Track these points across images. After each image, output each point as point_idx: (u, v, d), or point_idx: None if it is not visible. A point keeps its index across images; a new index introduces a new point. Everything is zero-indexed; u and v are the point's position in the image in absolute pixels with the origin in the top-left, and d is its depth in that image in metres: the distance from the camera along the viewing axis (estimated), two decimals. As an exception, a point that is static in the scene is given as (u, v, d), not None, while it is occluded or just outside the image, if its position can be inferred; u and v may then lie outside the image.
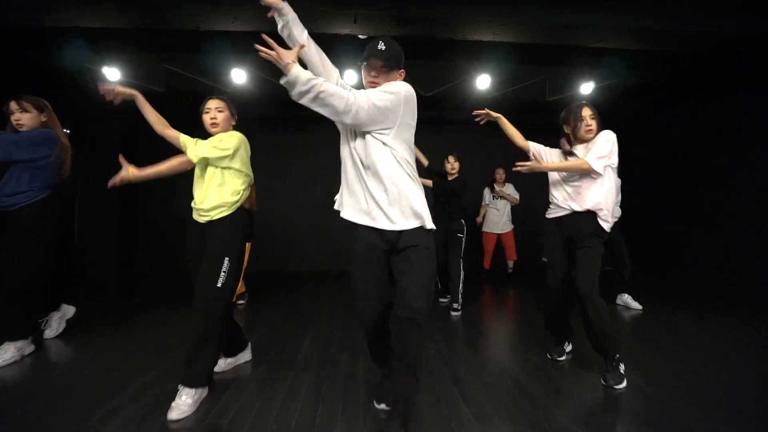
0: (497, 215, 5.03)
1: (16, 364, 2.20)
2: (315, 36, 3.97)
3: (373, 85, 1.55)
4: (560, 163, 2.22)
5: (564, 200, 2.21)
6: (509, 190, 5.08)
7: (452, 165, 3.64)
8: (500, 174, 5.05)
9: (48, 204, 2.38)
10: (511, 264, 5.20)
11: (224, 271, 1.83)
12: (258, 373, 2.13)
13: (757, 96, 4.25)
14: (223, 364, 2.14)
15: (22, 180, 2.30)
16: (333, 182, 1.87)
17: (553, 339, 2.42)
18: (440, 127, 6.45)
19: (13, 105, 2.35)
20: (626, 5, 3.40)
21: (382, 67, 1.54)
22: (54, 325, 2.69)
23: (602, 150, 2.07)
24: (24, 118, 2.35)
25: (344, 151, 1.62)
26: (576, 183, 2.17)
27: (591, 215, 2.10)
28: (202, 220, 1.92)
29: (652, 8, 3.41)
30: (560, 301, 2.27)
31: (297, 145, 6.19)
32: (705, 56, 4.25)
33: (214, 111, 2.01)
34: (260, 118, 5.59)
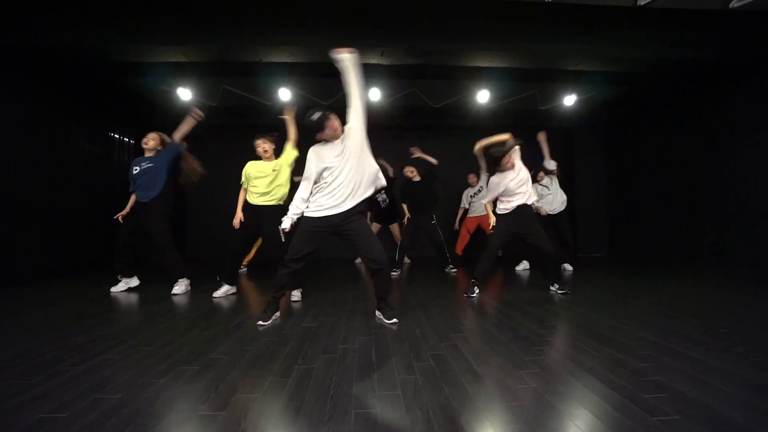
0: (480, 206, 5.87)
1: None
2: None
3: (334, 130, 2.51)
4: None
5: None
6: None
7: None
8: (473, 178, 5.92)
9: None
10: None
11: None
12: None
13: (718, 104, 5.11)
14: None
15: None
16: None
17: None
18: (446, 133, 7.42)
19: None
20: (594, 37, 4.31)
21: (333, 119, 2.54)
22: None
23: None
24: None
25: None
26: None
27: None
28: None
29: (617, 39, 4.32)
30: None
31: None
32: (665, 75, 5.16)
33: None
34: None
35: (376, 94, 5.27)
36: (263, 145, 3.50)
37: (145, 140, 3.80)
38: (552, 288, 3.62)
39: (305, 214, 2.56)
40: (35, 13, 3.73)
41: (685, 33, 4.15)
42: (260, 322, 2.58)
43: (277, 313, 2.73)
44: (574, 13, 4.03)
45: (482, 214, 5.82)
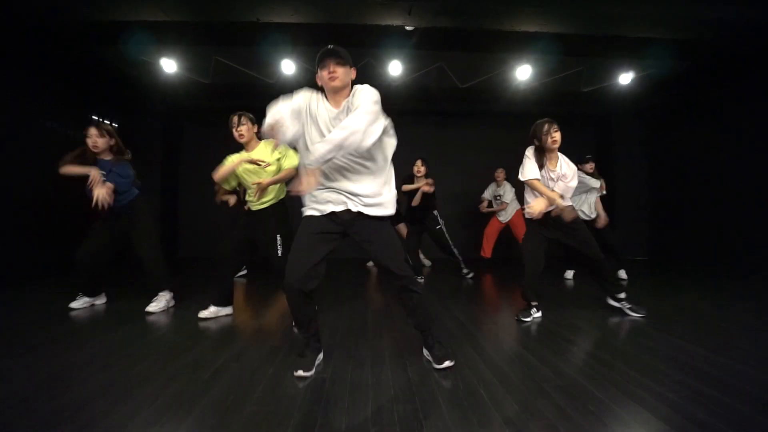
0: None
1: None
2: (364, 27, 4.12)
3: (333, 77, 1.65)
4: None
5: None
6: (506, 188, 5.07)
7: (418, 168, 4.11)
8: (501, 173, 5.06)
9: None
10: None
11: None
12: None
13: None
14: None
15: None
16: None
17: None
18: (473, 120, 6.57)
19: (92, 129, 2.72)
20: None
21: (338, 63, 1.65)
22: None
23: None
24: (100, 142, 2.74)
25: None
26: None
27: None
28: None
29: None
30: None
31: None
32: (744, 44, 4.26)
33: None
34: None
35: (397, 68, 4.42)
36: (239, 129, 2.57)
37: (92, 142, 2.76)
38: (613, 302, 2.83)
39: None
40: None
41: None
42: (301, 373, 1.75)
43: (320, 356, 1.92)
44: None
45: (510, 219, 5.11)
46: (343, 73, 1.67)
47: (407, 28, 4.02)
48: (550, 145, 2.58)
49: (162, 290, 2.99)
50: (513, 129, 5.10)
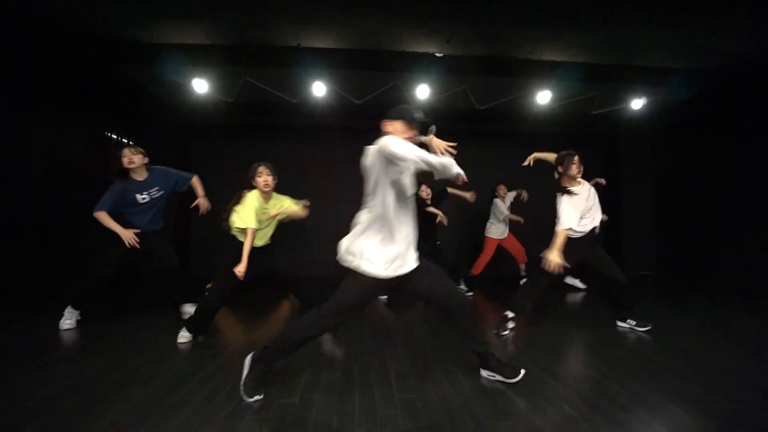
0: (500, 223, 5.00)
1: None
2: (398, 56, 4.23)
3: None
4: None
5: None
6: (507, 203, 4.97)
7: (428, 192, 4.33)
8: (503, 189, 4.96)
9: None
10: (523, 267, 5.12)
11: None
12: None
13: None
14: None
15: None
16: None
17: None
18: (485, 140, 6.73)
19: (126, 150, 2.93)
20: (689, 26, 3.68)
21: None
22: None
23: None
24: (136, 159, 2.93)
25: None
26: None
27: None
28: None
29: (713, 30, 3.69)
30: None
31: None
32: (749, 72, 4.55)
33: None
34: (340, 128, 5.81)
35: (425, 92, 4.54)
36: (267, 179, 2.73)
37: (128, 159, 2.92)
38: (623, 324, 2.95)
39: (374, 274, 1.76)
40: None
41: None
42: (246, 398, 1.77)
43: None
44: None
45: (505, 236, 4.97)
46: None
47: (437, 54, 4.17)
48: (575, 174, 2.75)
49: (185, 304, 3.16)
50: (520, 148, 5.20)
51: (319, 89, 4.44)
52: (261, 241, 2.79)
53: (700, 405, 1.75)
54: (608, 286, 2.94)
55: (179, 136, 6.05)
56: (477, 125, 6.18)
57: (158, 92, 4.95)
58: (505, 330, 2.80)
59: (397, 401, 1.80)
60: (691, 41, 3.74)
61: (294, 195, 2.99)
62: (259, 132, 6.03)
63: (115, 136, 5.28)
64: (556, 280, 2.80)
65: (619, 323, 2.97)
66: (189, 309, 3.13)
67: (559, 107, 5.51)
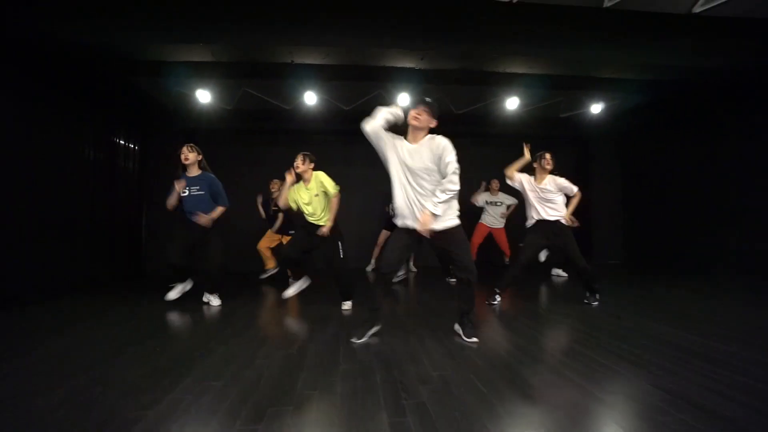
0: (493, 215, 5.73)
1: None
2: (380, 69, 4.79)
3: (417, 119, 2.40)
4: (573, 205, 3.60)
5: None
6: (504, 197, 5.70)
7: None
8: (495, 184, 5.70)
9: None
10: (506, 259, 5.87)
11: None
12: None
13: (738, 114, 5.17)
14: None
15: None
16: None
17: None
18: (465, 141, 7.29)
19: (185, 147, 3.52)
20: (637, 45, 4.25)
21: (426, 112, 2.42)
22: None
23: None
24: (191, 156, 3.54)
25: None
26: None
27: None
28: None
29: (658, 47, 4.26)
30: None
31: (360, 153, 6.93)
32: (695, 83, 5.16)
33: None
34: (331, 131, 6.35)
35: (406, 100, 5.09)
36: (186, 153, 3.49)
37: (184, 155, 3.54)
38: (588, 301, 3.55)
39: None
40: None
41: (726, 41, 4.15)
42: (354, 340, 2.48)
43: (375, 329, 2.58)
44: (626, 19, 3.99)
45: (496, 226, 5.70)
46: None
47: (416, 68, 4.71)
48: (544, 166, 3.53)
49: (213, 293, 3.54)
50: (500, 148, 5.83)
51: (310, 98, 4.98)
52: (312, 218, 3.36)
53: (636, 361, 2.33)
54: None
55: (183, 140, 6.54)
56: (456, 128, 6.74)
57: (165, 101, 5.44)
58: (494, 301, 3.59)
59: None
60: (635, 59, 4.31)
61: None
62: (256, 136, 6.54)
63: (122, 142, 5.74)
64: (540, 267, 3.58)
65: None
66: (210, 297, 3.64)
67: (529, 111, 6.10)
